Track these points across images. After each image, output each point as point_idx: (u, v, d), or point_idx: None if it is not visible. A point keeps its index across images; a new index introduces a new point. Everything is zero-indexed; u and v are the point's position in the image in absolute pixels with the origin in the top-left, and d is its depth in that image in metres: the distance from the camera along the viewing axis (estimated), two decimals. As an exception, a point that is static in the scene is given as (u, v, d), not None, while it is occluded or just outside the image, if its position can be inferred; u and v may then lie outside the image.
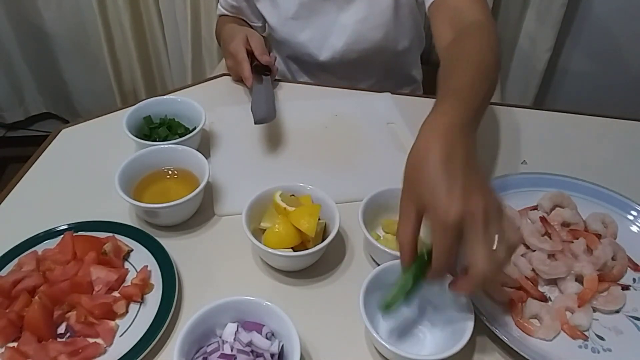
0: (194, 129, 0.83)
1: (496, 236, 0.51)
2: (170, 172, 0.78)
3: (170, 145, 0.79)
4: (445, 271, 0.53)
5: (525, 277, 0.67)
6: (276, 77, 1.06)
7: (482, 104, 0.66)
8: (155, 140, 0.82)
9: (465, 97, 0.63)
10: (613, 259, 0.69)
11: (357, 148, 0.89)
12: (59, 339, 0.60)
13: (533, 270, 0.67)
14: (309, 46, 1.10)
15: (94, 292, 0.64)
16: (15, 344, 0.59)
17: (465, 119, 0.59)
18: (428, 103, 0.97)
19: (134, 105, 0.86)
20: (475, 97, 0.64)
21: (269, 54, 0.99)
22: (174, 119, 0.88)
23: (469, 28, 0.79)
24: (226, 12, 1.17)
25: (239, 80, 1.02)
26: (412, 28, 1.11)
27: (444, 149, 0.53)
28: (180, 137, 0.83)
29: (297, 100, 1.00)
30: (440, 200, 0.50)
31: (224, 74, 1.08)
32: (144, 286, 0.64)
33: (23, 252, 0.67)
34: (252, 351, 0.55)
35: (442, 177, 0.51)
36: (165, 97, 0.92)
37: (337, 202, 0.70)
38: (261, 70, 0.98)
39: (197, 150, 0.78)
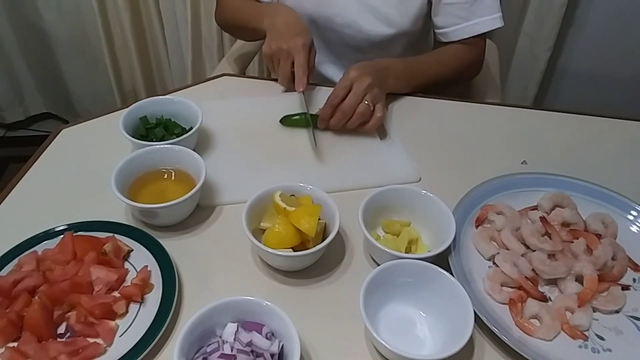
0: (191, 128, 0.83)
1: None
2: (167, 172, 0.78)
3: (167, 146, 0.79)
4: (333, 105, 0.87)
5: (525, 277, 0.67)
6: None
7: (410, 78, 0.99)
8: (152, 141, 0.82)
9: (404, 65, 0.98)
10: (613, 259, 0.69)
11: (351, 141, 0.90)
12: (59, 339, 0.60)
13: (533, 270, 0.67)
14: (333, 23, 1.08)
15: (94, 292, 0.64)
16: (15, 344, 0.59)
17: (393, 67, 0.96)
18: (423, 102, 0.99)
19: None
20: (410, 71, 0.99)
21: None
22: (170, 119, 0.88)
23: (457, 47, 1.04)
24: None
25: (273, 68, 0.98)
26: (429, 24, 1.12)
27: (374, 61, 0.93)
28: (177, 137, 0.83)
29: (292, 96, 1.00)
30: (351, 70, 0.88)
31: (224, 74, 1.08)
32: (144, 286, 0.64)
33: (23, 252, 0.67)
34: (252, 351, 0.55)
35: (362, 64, 0.90)
36: (161, 97, 0.91)
37: (330, 192, 0.71)
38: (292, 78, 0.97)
39: (194, 150, 0.78)
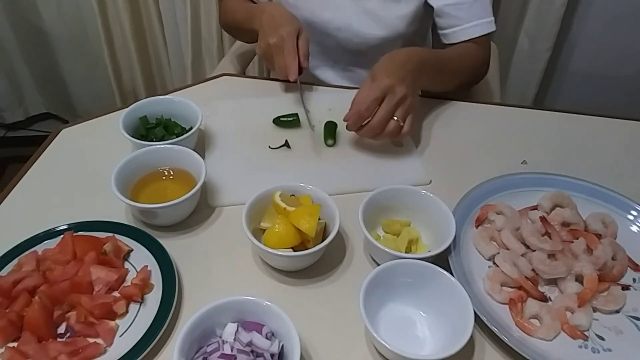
0: (191, 128, 0.83)
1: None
2: (167, 172, 0.78)
3: (167, 145, 0.79)
4: (362, 115, 0.81)
5: (525, 277, 0.67)
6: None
7: (440, 72, 0.94)
8: (152, 141, 0.82)
9: (435, 57, 0.93)
10: (613, 259, 0.69)
11: (349, 141, 0.90)
12: (59, 339, 0.60)
13: (533, 270, 0.67)
14: (328, 27, 1.08)
15: (94, 292, 0.64)
16: (15, 344, 0.59)
17: (426, 60, 0.88)
18: (422, 102, 0.99)
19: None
20: (441, 64, 0.94)
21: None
22: (170, 119, 0.88)
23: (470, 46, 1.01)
24: None
25: (270, 66, 0.98)
26: (427, 26, 1.12)
27: (406, 56, 0.85)
28: (177, 137, 0.83)
29: (292, 96, 1.00)
30: (383, 78, 0.80)
31: (223, 74, 1.09)
32: (144, 286, 0.64)
33: (23, 252, 0.67)
34: (252, 351, 0.55)
35: (394, 67, 0.82)
36: (161, 97, 0.91)
37: (330, 194, 0.71)
38: None
39: (194, 150, 0.78)
